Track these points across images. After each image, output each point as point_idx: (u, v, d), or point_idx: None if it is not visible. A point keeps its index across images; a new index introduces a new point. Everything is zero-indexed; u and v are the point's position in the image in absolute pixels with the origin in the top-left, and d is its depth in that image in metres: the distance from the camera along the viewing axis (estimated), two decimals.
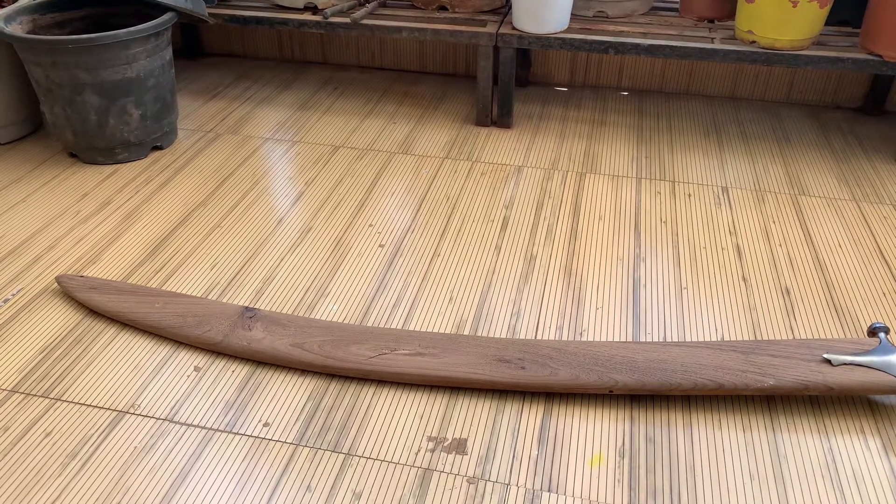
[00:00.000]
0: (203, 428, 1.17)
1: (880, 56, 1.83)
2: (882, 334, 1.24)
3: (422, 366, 1.24)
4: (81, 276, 1.46)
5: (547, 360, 1.23)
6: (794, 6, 1.78)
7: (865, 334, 1.34)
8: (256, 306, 1.42)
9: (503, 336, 1.36)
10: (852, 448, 1.14)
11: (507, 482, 1.08)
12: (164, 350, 1.32)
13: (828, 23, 1.93)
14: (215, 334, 1.30)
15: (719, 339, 1.35)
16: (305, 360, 1.25)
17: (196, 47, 2.65)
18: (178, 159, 1.97)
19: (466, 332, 1.37)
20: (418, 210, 1.75)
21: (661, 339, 1.35)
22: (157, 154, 2.00)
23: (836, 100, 2.31)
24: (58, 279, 1.45)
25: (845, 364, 1.19)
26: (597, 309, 1.43)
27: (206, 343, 1.30)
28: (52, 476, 1.09)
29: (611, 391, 1.19)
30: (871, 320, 1.40)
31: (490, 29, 2.03)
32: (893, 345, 1.22)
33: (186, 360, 1.30)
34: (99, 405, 1.20)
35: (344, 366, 1.24)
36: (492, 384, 1.22)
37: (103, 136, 1.88)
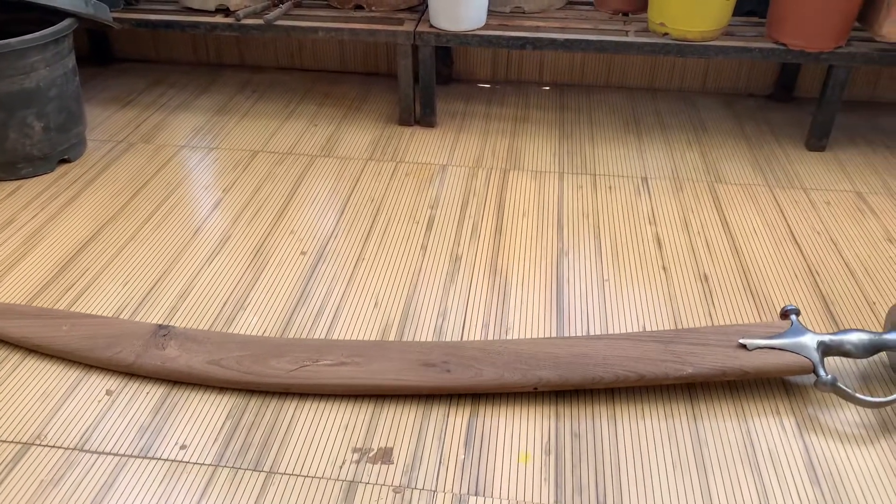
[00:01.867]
0: (116, 455, 1.11)
1: (785, 45, 1.89)
2: (793, 316, 1.28)
3: (345, 376, 1.21)
4: None
5: (472, 361, 1.22)
6: None
7: (779, 317, 1.38)
8: (171, 323, 1.36)
9: (430, 338, 1.34)
10: (769, 429, 1.17)
11: (433, 489, 1.06)
12: (73, 375, 1.25)
13: (736, 13, 1.98)
14: (127, 355, 1.25)
15: (641, 330, 1.36)
16: (223, 377, 1.21)
17: (106, 53, 2.54)
18: (88, 172, 1.89)
19: (392, 337, 1.35)
20: (342, 214, 1.72)
21: (584, 333, 1.36)
22: (64, 167, 1.91)
23: (749, 88, 2.38)
24: None
25: (760, 348, 1.22)
26: (522, 306, 1.43)
27: (117, 365, 1.25)
28: None
29: (535, 389, 1.19)
30: (785, 302, 1.44)
31: (408, 27, 2.01)
32: (804, 326, 1.26)
33: (97, 384, 1.24)
34: (1, 439, 1.13)
35: (263, 381, 1.20)
36: (418, 390, 1.21)
37: (3, 150, 1.78)
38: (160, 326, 1.31)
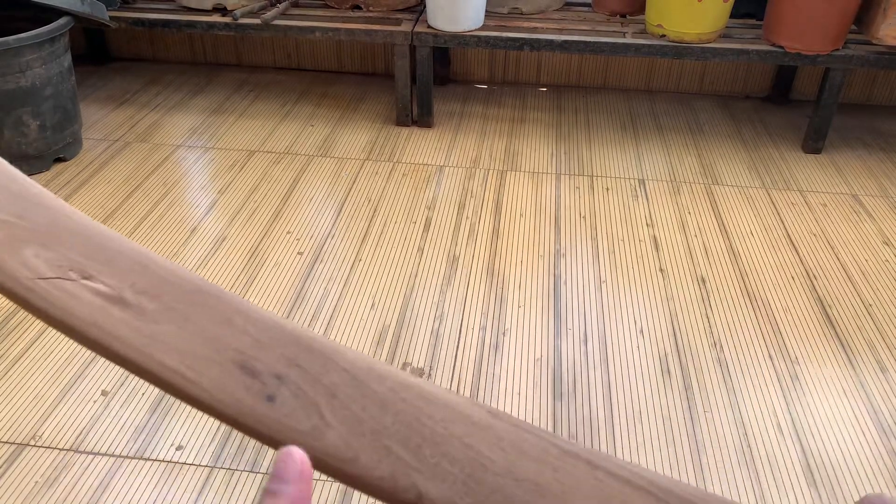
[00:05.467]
0: (111, 456, 1.11)
1: (782, 47, 1.89)
2: None
3: None
4: None
5: (323, 395, 0.68)
6: (700, 1, 1.82)
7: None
8: None
9: (426, 340, 1.34)
10: (766, 432, 1.17)
11: None
12: (68, 376, 1.25)
13: (733, 16, 1.98)
14: None
15: (638, 335, 1.36)
16: None
17: (102, 52, 2.53)
18: (83, 171, 1.88)
19: (389, 339, 1.34)
20: (339, 214, 1.72)
21: (582, 335, 1.36)
22: (60, 166, 1.90)
23: (746, 90, 2.38)
24: None
25: None
26: (519, 307, 1.43)
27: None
28: None
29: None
30: (782, 304, 1.44)
31: (405, 27, 2.01)
32: None
33: (93, 384, 1.23)
34: None
35: None
36: (212, 407, 0.87)
37: None
38: None
